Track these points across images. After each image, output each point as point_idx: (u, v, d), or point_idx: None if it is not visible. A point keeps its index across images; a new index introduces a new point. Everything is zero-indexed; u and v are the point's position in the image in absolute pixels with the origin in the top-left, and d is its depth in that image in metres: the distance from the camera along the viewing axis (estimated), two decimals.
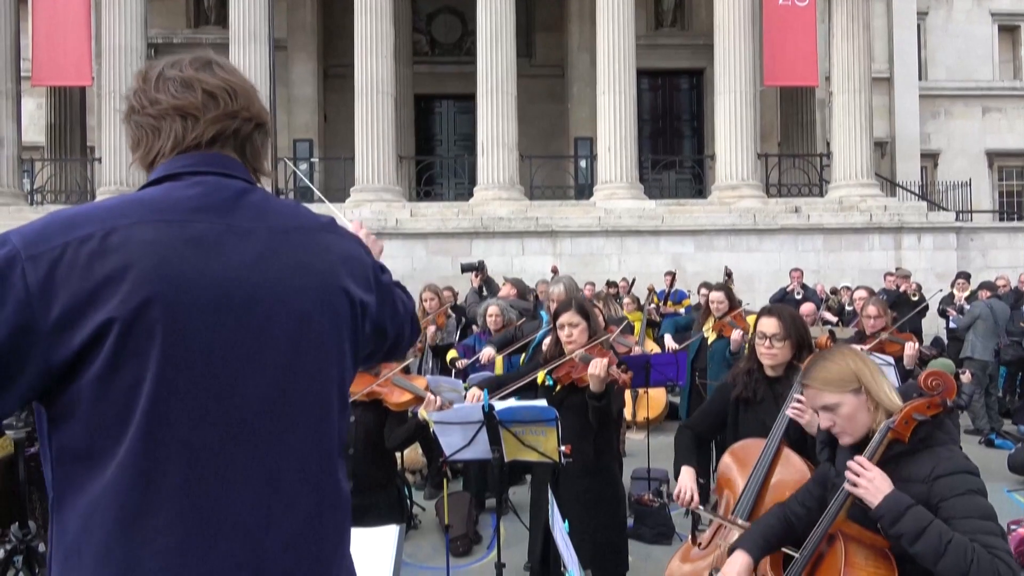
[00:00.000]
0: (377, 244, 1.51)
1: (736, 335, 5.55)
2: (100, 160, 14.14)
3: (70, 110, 16.32)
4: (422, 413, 3.17)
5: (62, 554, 1.04)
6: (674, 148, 19.43)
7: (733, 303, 6.07)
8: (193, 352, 1.04)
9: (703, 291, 8.40)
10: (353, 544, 2.09)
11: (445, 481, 4.37)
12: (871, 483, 1.93)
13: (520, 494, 5.35)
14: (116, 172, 13.53)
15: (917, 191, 18.05)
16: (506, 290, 5.59)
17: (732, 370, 3.20)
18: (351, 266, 1.24)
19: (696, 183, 17.30)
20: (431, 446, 6.19)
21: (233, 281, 1.08)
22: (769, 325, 2.98)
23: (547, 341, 5.20)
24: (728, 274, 10.86)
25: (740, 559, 2.20)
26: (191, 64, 1.22)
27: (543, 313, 5.75)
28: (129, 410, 1.01)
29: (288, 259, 1.15)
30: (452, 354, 6.14)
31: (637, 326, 8.35)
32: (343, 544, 1.25)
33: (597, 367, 2.95)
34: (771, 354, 2.96)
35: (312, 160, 17.01)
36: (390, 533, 1.99)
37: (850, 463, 1.99)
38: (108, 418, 1.01)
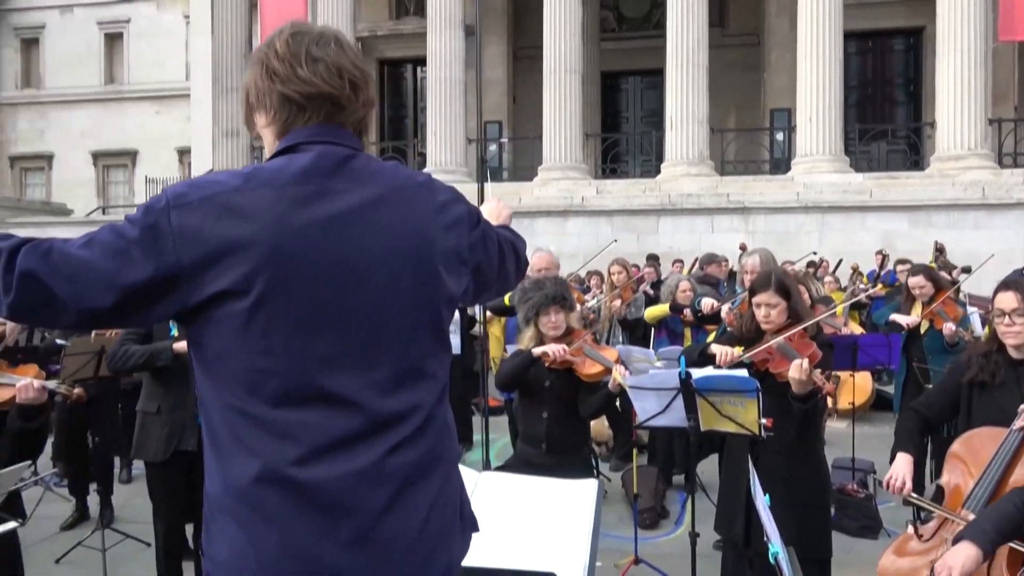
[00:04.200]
0: (506, 210, 1.70)
1: (948, 328, 5.02)
2: None
3: None
4: (615, 378, 3.18)
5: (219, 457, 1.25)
6: (885, 116, 17.69)
7: (939, 285, 5.44)
8: (299, 301, 1.21)
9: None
10: (554, 494, 2.17)
11: (634, 452, 4.36)
12: None
13: (708, 472, 5.21)
14: None
15: None
16: (545, 261, 5.27)
17: (968, 350, 2.88)
18: (443, 218, 1.36)
19: (912, 154, 15.66)
20: (618, 418, 6.22)
21: (336, 240, 1.24)
22: (1007, 300, 2.65)
23: (724, 309, 5.00)
24: (939, 249, 9.71)
25: (968, 552, 1.98)
26: (335, 46, 1.33)
27: (738, 288, 5.53)
28: (243, 340, 1.20)
29: (381, 219, 1.28)
30: (664, 308, 6.09)
31: (839, 308, 7.76)
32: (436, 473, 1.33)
33: (798, 371, 2.71)
34: (1013, 332, 2.62)
35: (501, 140, 17.54)
36: (590, 486, 2.04)
37: None
38: (232, 346, 1.21)
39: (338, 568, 1.21)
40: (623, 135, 18.46)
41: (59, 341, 4.78)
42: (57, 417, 5.25)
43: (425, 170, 15.26)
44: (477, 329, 7.32)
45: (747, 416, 2.78)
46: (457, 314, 7.16)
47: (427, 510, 1.28)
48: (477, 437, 7.15)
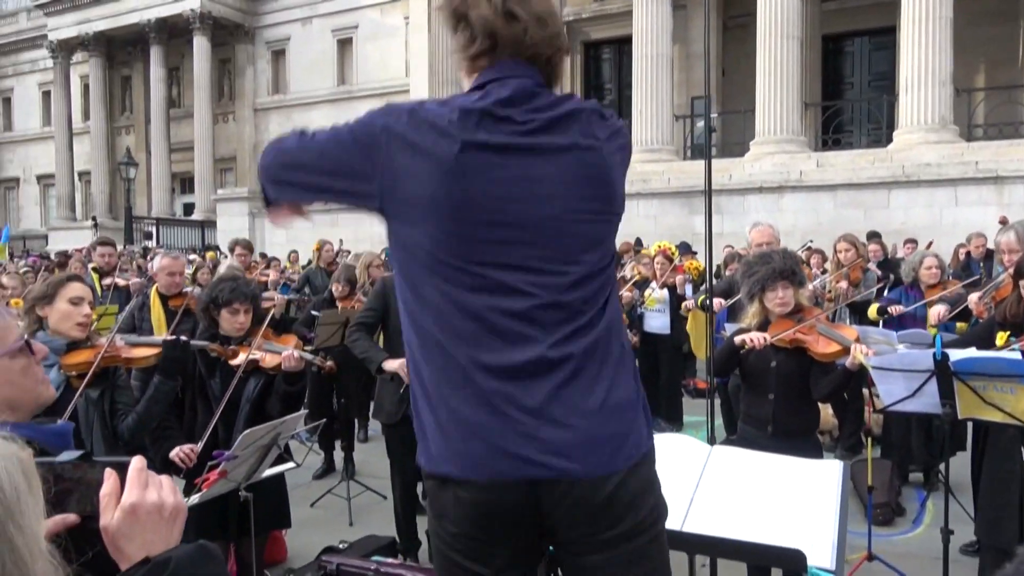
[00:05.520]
0: None
1: None
2: None
3: None
4: (856, 356, 2.92)
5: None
6: None
7: None
8: (487, 214, 1.36)
9: None
10: (794, 472, 2.07)
11: (869, 441, 4.02)
12: None
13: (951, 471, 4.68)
14: None
15: None
16: (766, 235, 4.63)
17: None
18: (612, 136, 1.46)
19: None
20: (844, 406, 5.77)
21: (520, 163, 1.38)
22: None
23: (974, 299, 4.38)
24: None
25: None
26: None
27: (998, 268, 4.87)
28: (444, 243, 1.36)
29: (561, 141, 1.40)
30: (872, 311, 5.56)
31: None
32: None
33: None
34: None
35: (712, 115, 16.87)
36: (835, 467, 1.92)
37: None
38: (432, 247, 1.38)
39: (527, 438, 1.35)
40: (847, 102, 16.93)
41: (313, 312, 5.41)
42: (310, 383, 5.98)
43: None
44: (685, 308, 7.16)
45: (1018, 404, 2.44)
46: (666, 292, 7.04)
47: (605, 392, 1.40)
48: (688, 419, 7.01)
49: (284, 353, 3.16)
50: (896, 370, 2.67)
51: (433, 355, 1.40)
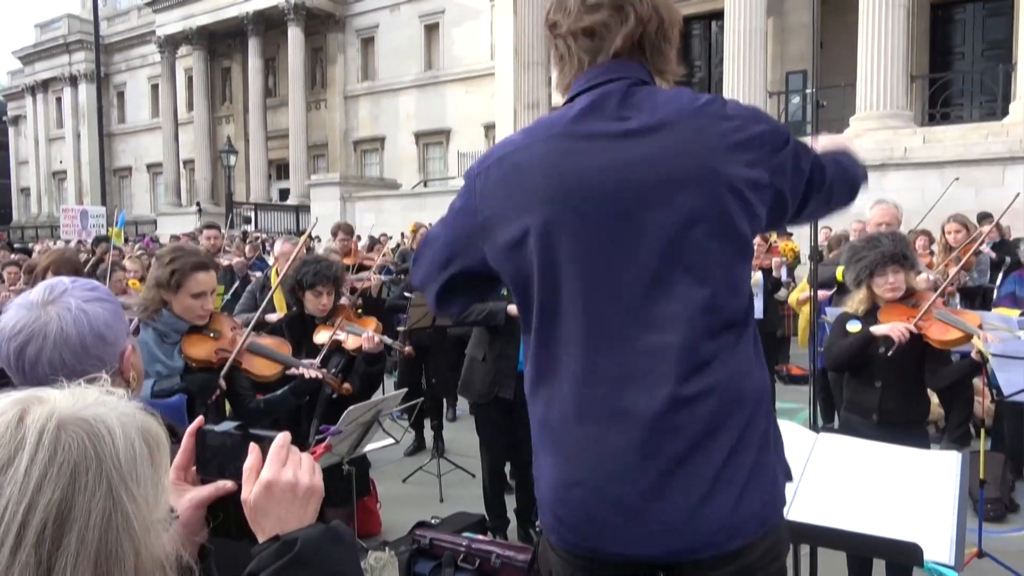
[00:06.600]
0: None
1: None
2: None
3: None
4: (977, 346, 2.75)
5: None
6: None
7: None
8: (580, 241, 1.26)
9: None
10: (905, 463, 1.99)
11: (982, 433, 3.79)
12: None
13: None
14: None
15: None
16: (888, 215, 4.16)
17: None
18: (730, 142, 1.25)
19: None
20: (953, 395, 5.45)
21: (611, 179, 1.25)
22: None
23: None
24: None
25: None
26: None
27: None
28: (531, 292, 1.31)
29: (657, 153, 1.25)
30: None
31: None
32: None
33: None
34: None
35: (806, 91, 16.16)
36: (953, 458, 1.83)
37: None
38: (524, 300, 1.34)
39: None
40: (957, 74, 15.84)
41: (406, 294, 5.54)
42: (400, 363, 6.15)
43: None
44: (782, 293, 6.91)
45: None
46: (760, 275, 6.81)
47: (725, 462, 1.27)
48: (780, 405, 6.81)
49: (365, 335, 3.34)
50: (1019, 358, 2.51)
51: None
